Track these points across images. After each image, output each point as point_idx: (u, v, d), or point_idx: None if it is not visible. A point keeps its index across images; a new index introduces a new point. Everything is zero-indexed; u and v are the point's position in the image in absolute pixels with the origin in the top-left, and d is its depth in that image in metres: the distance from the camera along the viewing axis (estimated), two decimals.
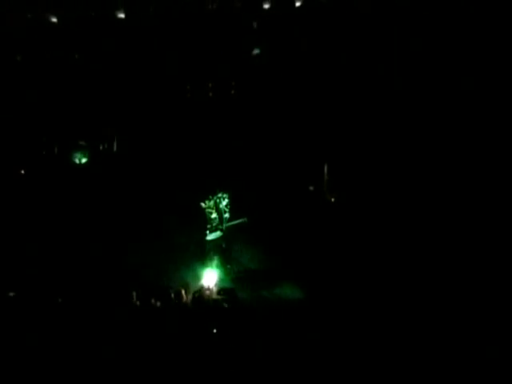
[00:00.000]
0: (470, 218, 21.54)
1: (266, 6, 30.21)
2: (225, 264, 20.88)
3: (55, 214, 22.86)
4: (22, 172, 24.88)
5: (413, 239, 21.10)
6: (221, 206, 21.38)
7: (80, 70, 27.77)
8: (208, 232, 21.35)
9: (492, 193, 22.33)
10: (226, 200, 21.54)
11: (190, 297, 19.17)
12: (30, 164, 25.18)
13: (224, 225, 21.40)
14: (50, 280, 19.54)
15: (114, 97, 27.06)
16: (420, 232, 21.35)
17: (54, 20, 29.39)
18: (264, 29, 29.20)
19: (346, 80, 26.68)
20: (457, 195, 22.46)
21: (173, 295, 19.07)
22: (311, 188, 24.39)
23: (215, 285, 19.60)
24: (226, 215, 21.44)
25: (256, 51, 29.14)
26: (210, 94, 28.13)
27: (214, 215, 21.27)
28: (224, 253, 21.24)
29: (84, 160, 25.94)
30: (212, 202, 21.33)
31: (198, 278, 19.90)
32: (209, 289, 19.43)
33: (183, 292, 19.22)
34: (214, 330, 17.56)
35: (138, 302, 18.83)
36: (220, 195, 21.46)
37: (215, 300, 19.02)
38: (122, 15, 29.92)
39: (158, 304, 18.74)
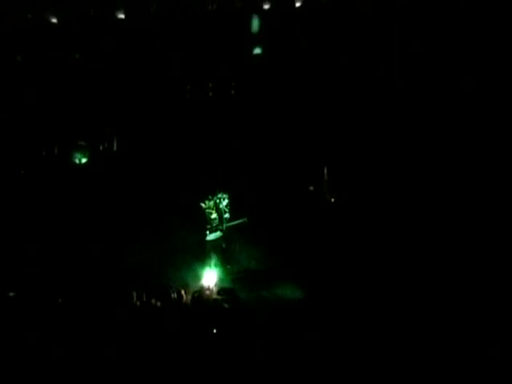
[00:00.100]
0: (470, 218, 21.55)
1: (266, 7, 30.25)
2: (225, 264, 20.88)
3: (55, 214, 22.90)
4: (22, 172, 24.92)
5: (413, 239, 21.10)
6: (221, 206, 21.39)
7: (80, 70, 27.79)
8: (208, 232, 21.34)
9: (492, 193, 22.34)
10: (226, 200, 21.54)
11: (190, 297, 19.17)
12: (30, 164, 25.22)
13: (224, 225, 21.40)
14: (49, 280, 19.54)
15: (114, 97, 27.09)
16: (420, 232, 21.35)
17: (54, 20, 29.40)
18: (264, 29, 29.20)
19: (346, 80, 26.69)
20: (457, 195, 22.47)
21: (173, 295, 19.06)
22: (311, 188, 24.41)
23: (215, 285, 19.61)
24: (227, 215, 21.45)
25: (256, 51, 29.16)
26: (210, 94, 28.15)
27: (214, 215, 21.28)
28: (224, 253, 21.24)
29: (84, 160, 25.96)
30: (212, 203, 21.33)
31: (198, 278, 19.90)
32: (209, 289, 19.43)
33: (183, 292, 19.22)
34: (214, 330, 17.56)
35: (138, 302, 18.82)
36: (220, 195, 21.45)
37: (215, 300, 19.02)
38: (122, 15, 29.93)
39: (158, 304, 18.73)
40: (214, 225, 21.33)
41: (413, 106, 25.31)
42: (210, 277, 19.82)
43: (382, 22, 27.27)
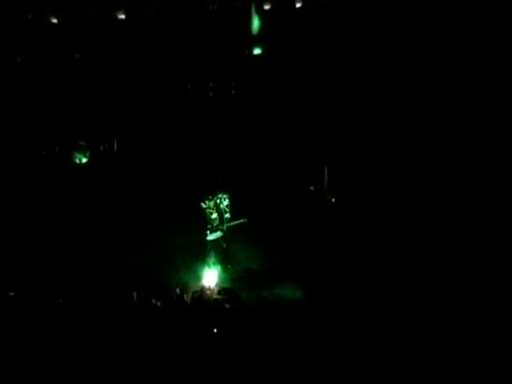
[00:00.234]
0: (470, 218, 21.55)
1: (267, 7, 30.26)
2: (225, 264, 20.88)
3: (55, 214, 22.90)
4: (22, 172, 24.91)
5: (413, 239, 21.10)
6: (221, 206, 21.37)
7: (80, 71, 27.80)
8: (208, 232, 21.33)
9: (492, 193, 22.34)
10: (227, 200, 21.53)
11: (190, 297, 19.16)
12: (30, 164, 25.22)
13: (225, 225, 21.38)
14: (49, 280, 19.53)
15: (115, 97, 27.10)
16: (420, 232, 21.35)
17: (55, 21, 29.42)
18: (264, 29, 29.21)
19: (347, 80, 26.69)
20: (457, 195, 22.46)
21: (173, 295, 19.05)
22: (312, 188, 24.41)
23: (216, 285, 19.60)
24: (227, 215, 21.43)
25: (256, 51, 29.16)
26: (211, 94, 28.16)
27: (214, 215, 21.26)
28: (224, 253, 21.24)
29: (84, 160, 25.97)
30: (212, 203, 21.32)
31: (198, 278, 19.90)
32: (209, 289, 19.43)
33: (184, 292, 19.21)
34: (215, 330, 17.55)
35: (138, 302, 18.81)
36: (220, 196, 21.45)
37: (216, 300, 19.01)
38: (122, 16, 29.95)
39: (159, 304, 18.71)
40: (215, 225, 21.30)
41: (413, 105, 25.31)
42: (210, 277, 19.82)
43: (382, 22, 27.26)
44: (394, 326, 17.51)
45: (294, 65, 27.93)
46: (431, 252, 20.42)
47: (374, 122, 25.35)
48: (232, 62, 28.39)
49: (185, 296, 19.09)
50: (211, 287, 19.45)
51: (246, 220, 21.50)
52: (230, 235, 21.48)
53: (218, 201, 21.36)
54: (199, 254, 21.13)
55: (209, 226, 21.32)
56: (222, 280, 19.94)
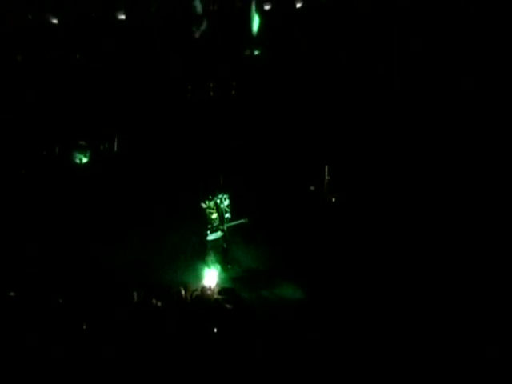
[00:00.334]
0: (470, 218, 21.54)
1: (267, 7, 30.23)
2: (225, 264, 20.89)
3: (55, 214, 22.89)
4: (23, 172, 24.91)
5: (413, 239, 21.09)
6: (222, 206, 21.37)
7: (80, 71, 27.79)
8: (209, 232, 21.32)
9: (492, 193, 22.33)
10: (227, 200, 21.52)
11: (190, 296, 19.16)
12: (30, 164, 25.21)
13: (225, 225, 21.38)
14: (50, 280, 19.52)
15: (115, 97, 27.08)
16: (421, 232, 21.34)
17: (55, 21, 29.40)
18: (265, 29, 29.19)
19: (347, 80, 26.68)
20: (457, 195, 22.46)
21: (174, 295, 19.05)
22: (312, 188, 24.40)
23: (216, 285, 19.60)
24: (227, 215, 21.42)
25: (256, 51, 29.15)
26: (211, 94, 28.14)
27: (214, 215, 21.25)
28: (225, 253, 21.24)
29: (85, 160, 25.96)
30: (212, 203, 21.31)
31: (198, 277, 19.91)
32: (210, 289, 19.44)
33: (184, 292, 19.21)
34: (215, 330, 17.56)
35: (138, 302, 18.81)
36: (221, 196, 21.44)
37: (216, 300, 19.01)
38: (122, 16, 29.93)
39: (159, 304, 18.72)
40: (215, 225, 21.30)
41: (413, 105, 25.29)
42: (210, 277, 19.83)
43: (382, 22, 27.26)
44: (394, 325, 17.50)
45: (294, 65, 27.91)
46: (431, 252, 20.42)
47: (374, 121, 25.33)
48: (232, 62, 28.37)
49: (185, 296, 19.09)
50: (211, 287, 19.45)
51: (246, 220, 21.49)
52: (230, 235, 21.47)
53: (219, 201, 21.35)
54: (199, 254, 21.13)
55: (209, 226, 21.32)
56: (222, 280, 19.95)
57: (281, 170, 24.62)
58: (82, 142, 26.18)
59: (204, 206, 21.29)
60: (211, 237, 21.29)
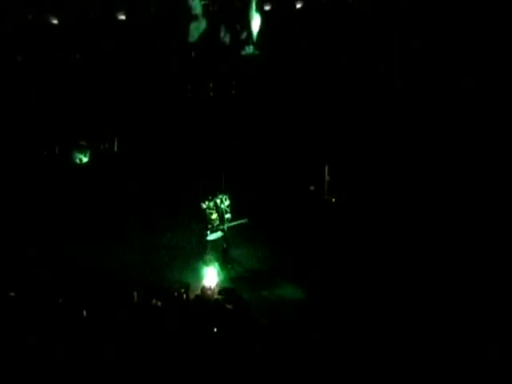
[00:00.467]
0: (470, 218, 21.55)
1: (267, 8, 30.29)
2: (225, 264, 20.89)
3: (55, 214, 22.91)
4: (23, 172, 24.92)
5: (413, 239, 21.10)
6: (222, 206, 21.36)
7: (81, 71, 27.82)
8: (209, 232, 21.32)
9: (492, 193, 22.34)
10: (228, 201, 21.52)
11: (191, 297, 19.16)
12: (30, 164, 25.23)
13: (225, 225, 21.37)
14: (49, 280, 19.52)
15: (115, 97, 27.11)
16: (420, 232, 21.35)
17: (55, 21, 29.44)
18: (265, 29, 29.25)
19: (347, 80, 26.70)
20: (457, 195, 22.47)
21: (174, 295, 19.04)
22: (312, 188, 24.41)
23: (216, 285, 19.60)
24: (228, 215, 21.41)
25: (256, 51, 29.20)
26: (211, 94, 28.18)
27: (214, 216, 21.24)
28: (225, 253, 21.24)
29: (85, 160, 25.98)
30: (212, 203, 21.30)
31: (199, 278, 19.89)
32: (210, 289, 19.42)
33: (184, 292, 19.21)
34: (215, 330, 17.55)
35: (138, 302, 18.80)
36: (221, 196, 21.43)
37: (216, 300, 19.01)
38: (122, 17, 29.98)
39: (159, 304, 18.71)
40: (215, 225, 21.29)
41: (413, 105, 25.32)
42: (211, 277, 19.81)
43: (382, 22, 27.28)
44: (393, 325, 17.50)
45: (294, 65, 27.94)
46: (431, 251, 20.42)
47: (374, 122, 25.35)
48: (232, 62, 28.42)
49: (185, 296, 19.09)
50: (212, 287, 19.44)
51: (246, 220, 21.50)
52: (230, 235, 21.47)
53: (219, 201, 21.34)
54: (200, 254, 21.13)
55: (209, 227, 21.32)
56: (222, 280, 19.94)
57: (281, 170, 24.66)
58: (82, 142, 26.23)
59: (204, 206, 21.28)
60: (211, 237, 21.29)
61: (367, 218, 22.37)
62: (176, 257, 21.16)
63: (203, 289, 19.40)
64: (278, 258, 21.16)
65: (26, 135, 25.87)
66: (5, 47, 27.87)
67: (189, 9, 29.65)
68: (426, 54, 26.17)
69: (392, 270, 19.84)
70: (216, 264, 20.68)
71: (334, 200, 23.94)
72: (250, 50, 29.51)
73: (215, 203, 21.29)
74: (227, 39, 29.17)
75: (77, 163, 25.96)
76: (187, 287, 19.28)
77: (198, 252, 21.20)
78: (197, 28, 29.36)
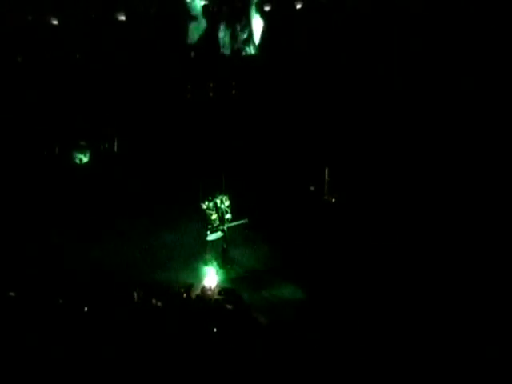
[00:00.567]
0: (470, 218, 21.55)
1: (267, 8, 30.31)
2: (225, 264, 20.88)
3: (55, 214, 22.91)
4: (23, 172, 24.93)
5: (413, 239, 21.10)
6: (222, 206, 21.35)
7: (81, 71, 27.84)
8: (209, 232, 21.32)
9: (492, 193, 22.34)
10: (228, 201, 21.52)
11: (191, 297, 19.15)
12: (30, 164, 25.23)
13: (226, 225, 21.37)
14: (49, 280, 19.51)
15: (115, 97, 27.13)
16: (420, 232, 21.35)
17: (55, 22, 29.47)
18: (265, 29, 29.27)
19: (347, 80, 26.71)
20: (457, 195, 22.48)
21: (174, 295, 19.04)
22: (312, 188, 24.42)
23: (216, 285, 19.59)
24: (228, 216, 21.40)
25: (256, 52, 29.23)
26: (211, 94, 28.19)
27: (214, 216, 21.23)
28: (225, 253, 21.23)
29: (85, 160, 25.99)
30: (212, 204, 21.29)
31: (199, 278, 19.89)
32: (210, 289, 19.41)
33: (184, 292, 19.20)
34: (215, 330, 17.55)
35: (138, 302, 18.80)
36: (220, 197, 21.43)
37: (216, 300, 19.00)
38: (122, 17, 30.01)
39: (159, 304, 18.70)
40: (215, 225, 21.29)
41: (413, 106, 25.33)
42: (211, 277, 19.81)
43: (382, 22, 27.30)
44: (393, 325, 17.50)
45: (294, 65, 27.95)
46: (431, 252, 20.42)
47: (374, 122, 25.36)
48: (232, 62, 28.44)
49: (185, 296, 19.09)
50: (212, 287, 19.43)
51: (246, 221, 21.50)
52: (230, 236, 21.47)
53: (219, 201, 21.34)
54: (200, 254, 21.13)
55: (209, 227, 21.31)
56: (222, 280, 19.94)
57: (281, 171, 24.67)
58: (82, 142, 26.25)
59: (204, 206, 21.28)
60: (211, 237, 21.27)
61: (367, 219, 22.37)
62: (176, 257, 21.14)
63: (203, 289, 19.39)
64: (278, 258, 21.17)
65: (25, 135, 25.87)
66: (5, 47, 27.88)
67: (189, 9, 29.69)
68: (426, 54, 26.18)
69: (392, 269, 19.84)
70: (216, 264, 20.68)
71: (333, 200, 23.95)
72: (250, 50, 29.55)
73: (215, 204, 21.28)
74: (227, 39, 29.18)
75: (77, 163, 25.97)
76: (187, 287, 19.28)
77: (198, 252, 21.19)
78: (197, 28, 29.40)
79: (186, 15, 29.59)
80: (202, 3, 29.86)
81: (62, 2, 29.68)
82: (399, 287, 19.03)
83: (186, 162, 25.23)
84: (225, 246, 21.31)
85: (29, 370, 16.34)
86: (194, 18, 29.50)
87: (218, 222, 21.24)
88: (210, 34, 29.08)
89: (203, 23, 29.50)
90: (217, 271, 20.26)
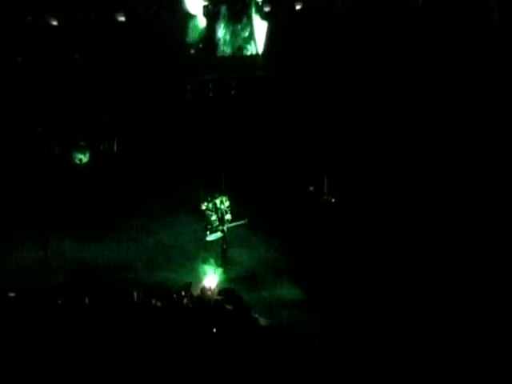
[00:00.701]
0: (470, 218, 21.56)
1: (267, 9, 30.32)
2: (225, 264, 20.88)
3: (55, 214, 22.90)
4: (23, 172, 24.93)
5: (413, 240, 21.11)
6: (222, 206, 21.35)
7: (81, 71, 27.84)
8: (208, 233, 21.33)
9: (492, 193, 22.35)
10: (228, 202, 21.52)
11: (190, 297, 19.14)
12: (30, 164, 25.23)
13: (225, 225, 21.37)
14: (49, 280, 19.51)
15: (115, 97, 27.13)
16: (420, 232, 21.36)
17: (55, 22, 29.47)
18: (267, 30, 29.30)
19: (347, 80, 26.73)
20: (457, 195, 22.48)
21: (173, 296, 19.02)
22: (311, 188, 24.43)
23: (216, 285, 19.58)
24: (228, 216, 21.40)
25: (256, 52, 29.24)
26: (211, 95, 28.21)
27: (213, 217, 21.23)
28: (224, 253, 21.23)
29: (85, 160, 25.99)
30: (211, 204, 21.30)
31: (198, 278, 19.89)
32: (210, 289, 19.39)
33: (184, 292, 19.18)
34: (214, 330, 17.54)
35: (138, 303, 18.78)
36: (220, 197, 21.43)
37: (216, 300, 18.98)
38: (122, 18, 30.02)
39: (159, 304, 18.69)
40: (215, 226, 21.29)
41: (413, 106, 25.34)
42: (210, 277, 19.81)
43: (382, 23, 27.32)
44: (393, 326, 17.50)
45: (294, 65, 27.97)
46: (431, 252, 20.42)
47: (374, 122, 25.37)
48: (232, 63, 28.46)
49: (185, 296, 19.07)
50: (211, 288, 19.42)
51: (246, 221, 21.50)
52: (230, 236, 21.47)
53: (218, 202, 21.33)
54: (199, 254, 21.13)
55: (209, 227, 21.32)
56: (222, 280, 19.94)
57: (280, 171, 24.67)
58: (82, 142, 26.25)
59: (203, 207, 21.28)
60: (211, 237, 21.28)
61: (367, 219, 22.38)
62: (175, 257, 21.15)
63: (203, 289, 19.37)
64: (278, 258, 21.17)
65: (25, 135, 25.87)
66: (5, 47, 27.87)
67: (188, 9, 29.70)
68: (426, 54, 26.20)
69: (392, 269, 19.84)
70: (216, 264, 20.68)
71: (333, 200, 23.95)
72: (250, 50, 29.57)
73: (215, 204, 21.28)
74: (227, 38, 29.19)
75: (77, 163, 25.97)
76: (187, 288, 19.26)
77: (198, 252, 21.19)
78: (197, 28, 29.40)
79: (186, 15, 29.61)
80: (203, 3, 29.88)
81: (61, 2, 29.65)
82: (399, 287, 19.04)
83: (186, 162, 25.22)
84: (224, 247, 21.31)
85: (29, 369, 16.34)
86: (194, 18, 29.52)
87: (217, 223, 21.24)
88: (210, 33, 29.11)
89: (203, 23, 29.51)
90: (216, 271, 20.26)
